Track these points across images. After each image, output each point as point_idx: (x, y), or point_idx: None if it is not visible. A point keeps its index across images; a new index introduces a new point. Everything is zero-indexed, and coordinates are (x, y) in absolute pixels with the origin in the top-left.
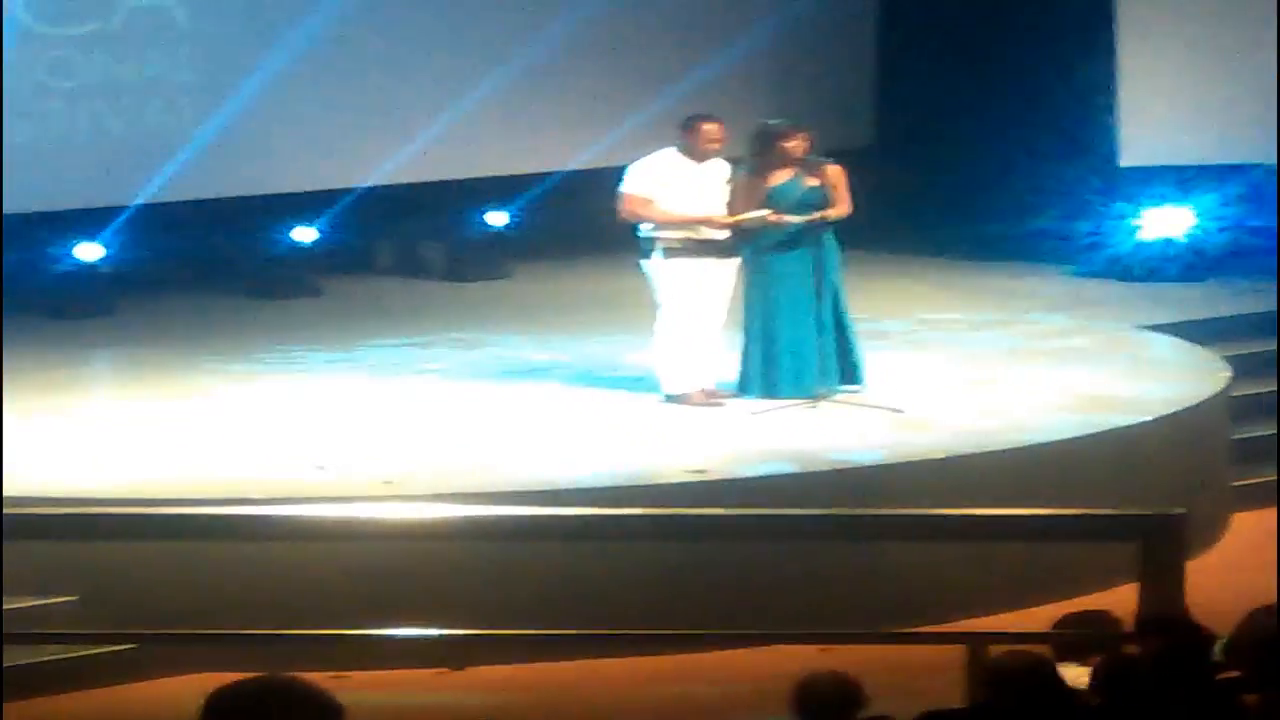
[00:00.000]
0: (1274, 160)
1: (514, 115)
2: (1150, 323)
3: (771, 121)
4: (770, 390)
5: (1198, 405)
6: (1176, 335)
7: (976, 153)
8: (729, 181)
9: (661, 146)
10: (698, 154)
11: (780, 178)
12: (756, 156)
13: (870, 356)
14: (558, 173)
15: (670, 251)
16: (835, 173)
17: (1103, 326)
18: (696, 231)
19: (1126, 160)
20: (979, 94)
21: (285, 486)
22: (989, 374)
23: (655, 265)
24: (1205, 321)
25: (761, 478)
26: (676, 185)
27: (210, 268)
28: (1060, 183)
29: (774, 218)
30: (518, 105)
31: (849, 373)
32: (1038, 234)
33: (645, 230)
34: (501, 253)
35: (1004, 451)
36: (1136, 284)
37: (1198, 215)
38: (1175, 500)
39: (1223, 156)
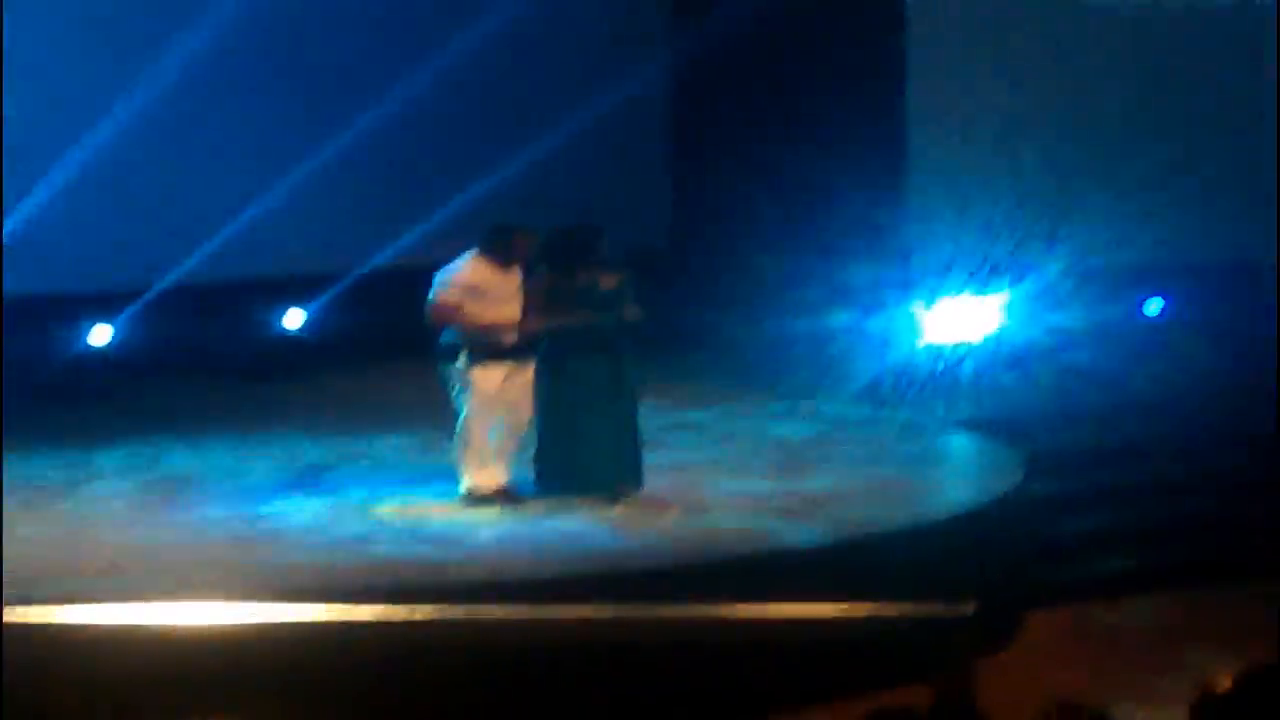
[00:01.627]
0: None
1: (313, 214)
2: (947, 417)
3: (569, 225)
4: (570, 488)
5: (993, 501)
6: (975, 430)
7: (770, 251)
8: (529, 284)
9: (462, 247)
10: (503, 260)
11: (579, 280)
12: (554, 260)
13: (669, 452)
14: (356, 272)
15: (476, 355)
16: (627, 277)
17: (900, 421)
18: (503, 335)
19: (919, 256)
20: (772, 193)
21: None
22: (786, 467)
23: (461, 369)
24: (1002, 419)
25: (557, 577)
26: (484, 291)
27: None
28: (854, 281)
29: (574, 319)
30: (316, 204)
31: (634, 472)
32: (833, 331)
33: (451, 335)
34: (298, 352)
35: (798, 550)
36: (933, 379)
37: (993, 311)
38: (968, 597)
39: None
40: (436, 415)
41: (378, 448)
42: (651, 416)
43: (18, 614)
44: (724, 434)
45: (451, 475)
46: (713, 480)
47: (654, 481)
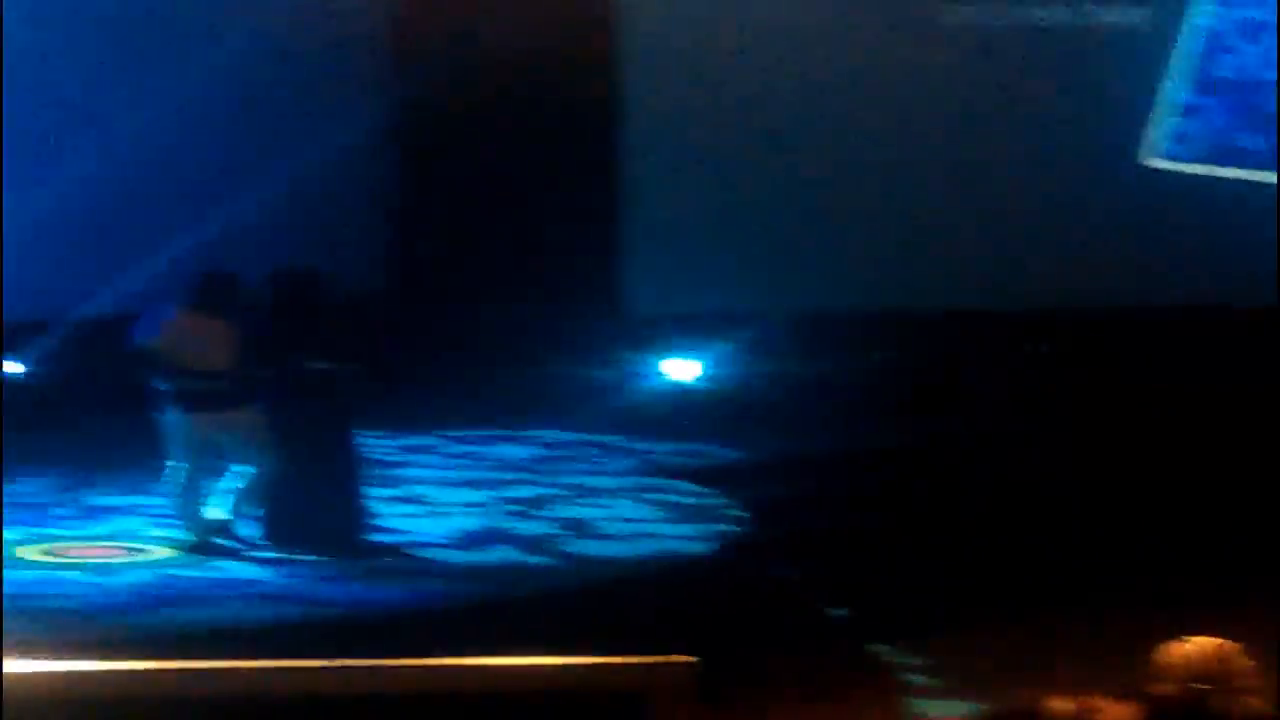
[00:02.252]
0: (778, 310)
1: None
2: (663, 468)
3: (285, 271)
4: (280, 536)
5: (707, 550)
6: (689, 480)
7: (485, 300)
8: (242, 330)
9: (175, 294)
10: (216, 307)
11: (295, 325)
12: (268, 305)
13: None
14: (63, 319)
15: (183, 404)
16: (345, 322)
17: (616, 468)
18: (216, 381)
19: (638, 309)
20: (489, 240)
21: None
22: (502, 519)
23: (166, 418)
24: (717, 468)
25: (280, 622)
26: (197, 338)
27: None
28: (567, 333)
29: (290, 364)
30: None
31: (359, 519)
32: (546, 381)
33: (158, 384)
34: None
35: (510, 598)
36: (653, 430)
37: (709, 365)
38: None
39: (734, 304)
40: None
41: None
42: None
43: None
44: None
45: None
46: (423, 524)
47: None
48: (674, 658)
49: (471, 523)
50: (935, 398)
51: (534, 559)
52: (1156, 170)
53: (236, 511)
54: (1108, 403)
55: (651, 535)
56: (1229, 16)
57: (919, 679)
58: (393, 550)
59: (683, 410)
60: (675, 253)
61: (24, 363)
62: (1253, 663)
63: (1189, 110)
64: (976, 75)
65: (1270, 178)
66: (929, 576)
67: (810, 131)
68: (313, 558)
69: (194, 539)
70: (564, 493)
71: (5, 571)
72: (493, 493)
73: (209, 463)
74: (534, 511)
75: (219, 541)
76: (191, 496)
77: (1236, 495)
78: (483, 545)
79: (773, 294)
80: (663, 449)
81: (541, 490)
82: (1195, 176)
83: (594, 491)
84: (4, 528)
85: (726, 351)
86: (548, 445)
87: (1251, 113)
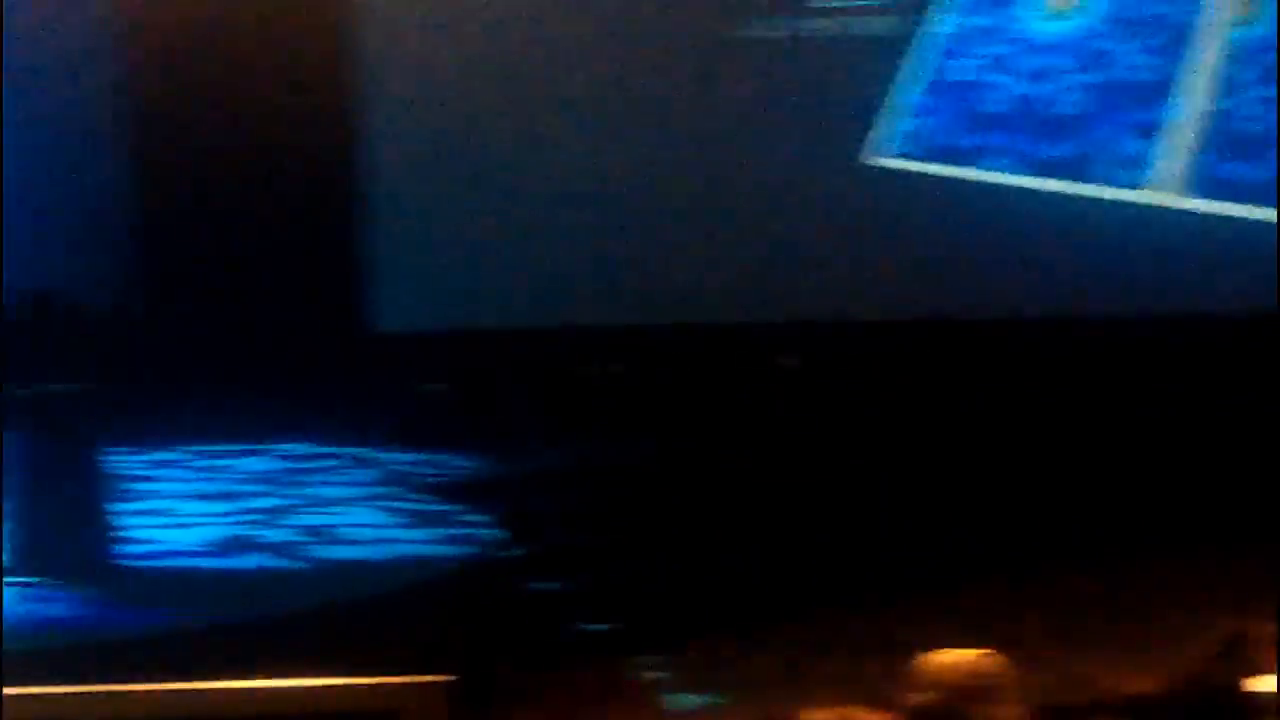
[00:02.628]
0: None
1: None
2: (410, 480)
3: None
4: (28, 560)
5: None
6: (439, 495)
7: (228, 316)
8: None
9: None
10: None
11: (20, 349)
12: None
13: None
14: None
15: None
16: (85, 342)
17: (360, 479)
18: None
19: (384, 327)
20: (228, 256)
21: None
22: (247, 529)
23: None
24: (468, 482)
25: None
26: None
27: None
28: (311, 348)
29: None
30: None
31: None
32: (291, 396)
33: None
34: None
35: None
36: (400, 443)
37: (458, 379)
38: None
39: (484, 321)
40: None
41: None
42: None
43: None
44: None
45: None
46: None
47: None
48: (425, 677)
49: (217, 532)
50: (676, 410)
51: (281, 564)
52: (886, 169)
53: None
54: (856, 413)
55: (403, 550)
56: (962, 23)
57: (679, 693)
58: (140, 564)
59: (432, 424)
60: (420, 269)
61: None
62: (1011, 673)
63: (921, 111)
64: (720, 87)
65: (1002, 178)
66: (687, 588)
67: (553, 148)
68: (63, 581)
69: None
70: (306, 503)
71: None
72: (238, 504)
73: None
74: (278, 521)
75: None
76: None
77: (986, 505)
78: (229, 553)
79: (519, 309)
80: (408, 461)
81: (285, 501)
82: (925, 176)
83: (337, 502)
84: None
85: (475, 366)
86: (292, 458)
87: (976, 115)
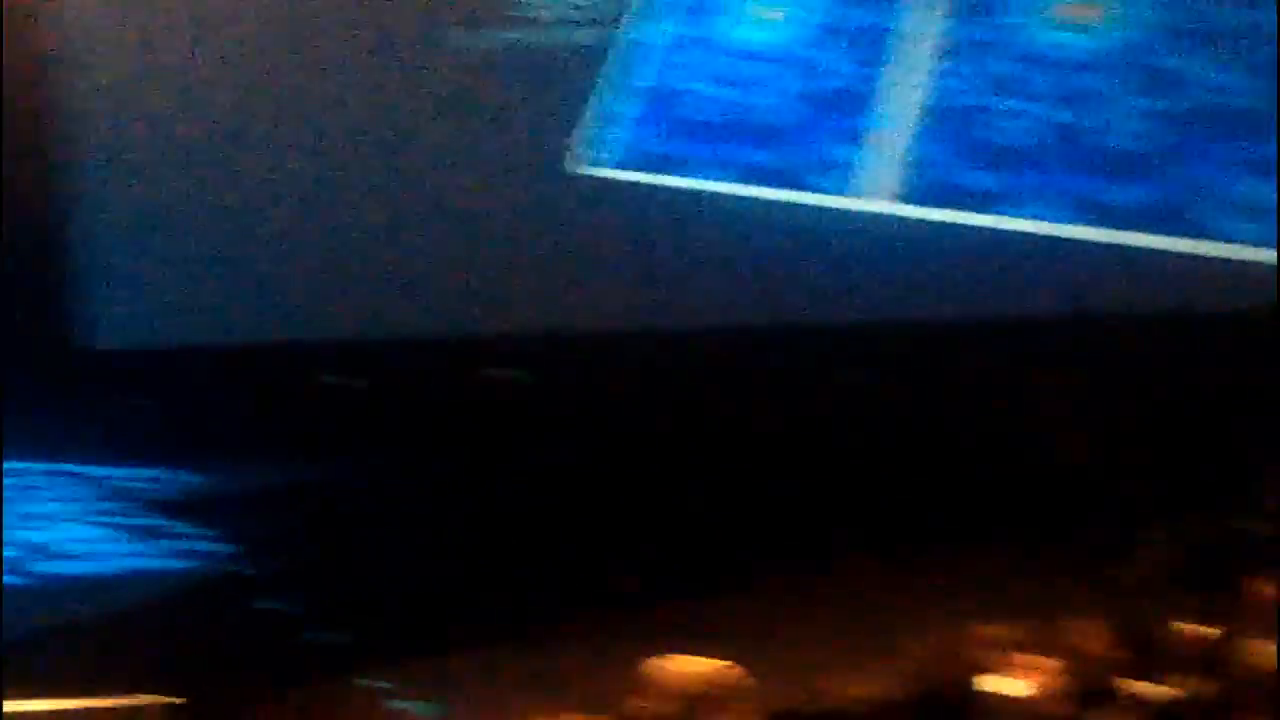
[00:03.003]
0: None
1: None
2: (130, 495)
3: None
4: None
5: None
6: (161, 512)
7: None
8: None
9: None
10: None
11: None
12: None
13: None
14: None
15: None
16: None
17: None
18: None
19: (100, 343)
20: None
21: None
22: None
23: None
24: (191, 498)
25: None
26: None
27: None
28: (18, 367)
29: None
30: None
31: None
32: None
33: None
34: None
35: None
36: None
37: (171, 396)
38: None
39: (200, 337)
40: None
41: None
42: None
43: None
44: None
45: None
46: None
47: None
48: (149, 699)
49: None
50: (401, 425)
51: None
52: (595, 179)
53: None
54: (581, 425)
55: (125, 565)
56: (669, 32)
57: (408, 702)
58: None
59: (149, 439)
60: (133, 285)
61: None
62: (742, 680)
63: (631, 120)
64: (423, 98)
65: (713, 186)
66: (415, 599)
67: (258, 164)
68: None
69: None
70: (22, 520)
71: None
72: None
73: None
74: None
75: None
76: None
77: (715, 514)
78: None
79: (235, 324)
80: (126, 477)
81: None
82: (636, 185)
83: (55, 517)
84: None
85: (186, 383)
86: (9, 474)
87: (687, 124)
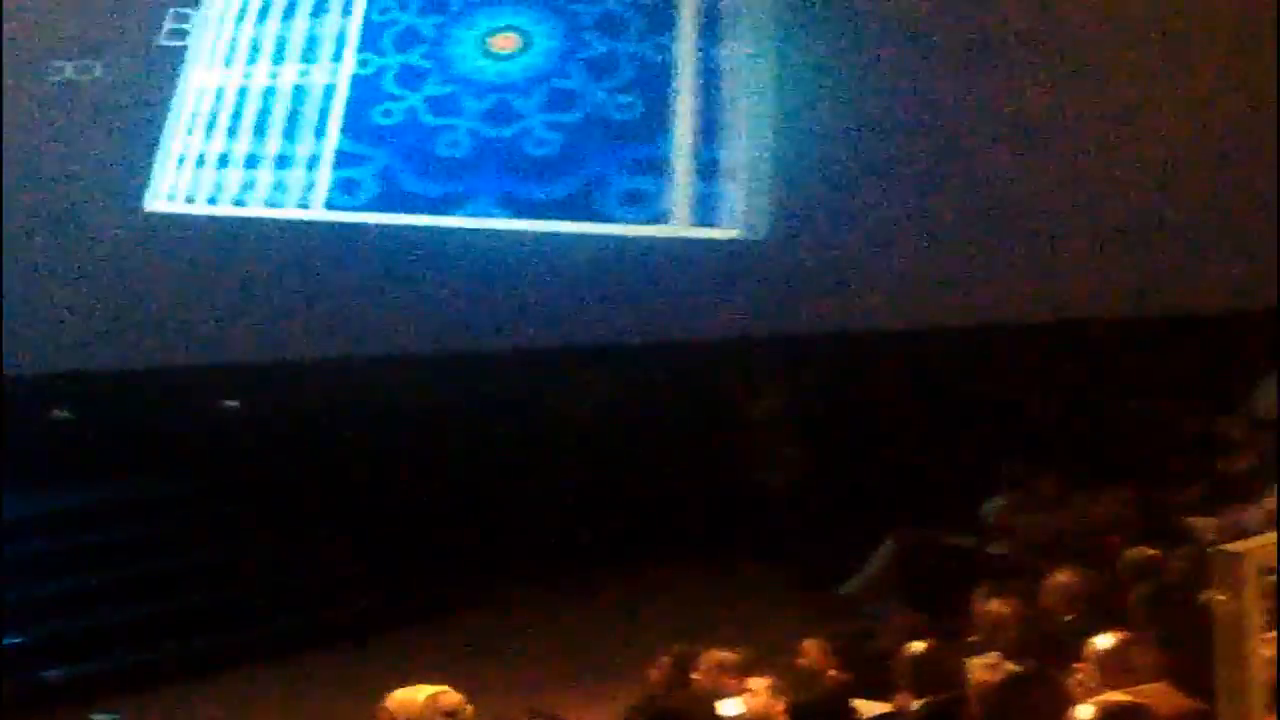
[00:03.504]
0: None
1: None
2: None
3: None
4: None
5: None
6: None
7: None
8: None
9: None
10: None
11: None
12: None
13: None
14: None
15: None
16: None
17: None
18: None
19: None
20: None
21: None
22: None
23: None
24: None
25: None
26: None
27: None
28: None
29: None
30: None
31: None
32: None
33: None
34: None
35: None
36: None
37: None
38: None
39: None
40: None
41: None
42: None
43: None
44: None
45: None
46: None
47: None
48: None
49: None
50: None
51: None
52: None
53: None
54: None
55: None
56: (389, 65)
57: None
58: None
59: None
60: None
61: None
62: (462, 707)
63: (359, 159)
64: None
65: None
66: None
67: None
68: None
69: None
70: None
71: None
72: None
73: None
74: None
75: None
76: None
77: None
78: None
79: None
80: None
81: None
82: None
83: None
84: None
85: None
86: None
87: (432, 159)
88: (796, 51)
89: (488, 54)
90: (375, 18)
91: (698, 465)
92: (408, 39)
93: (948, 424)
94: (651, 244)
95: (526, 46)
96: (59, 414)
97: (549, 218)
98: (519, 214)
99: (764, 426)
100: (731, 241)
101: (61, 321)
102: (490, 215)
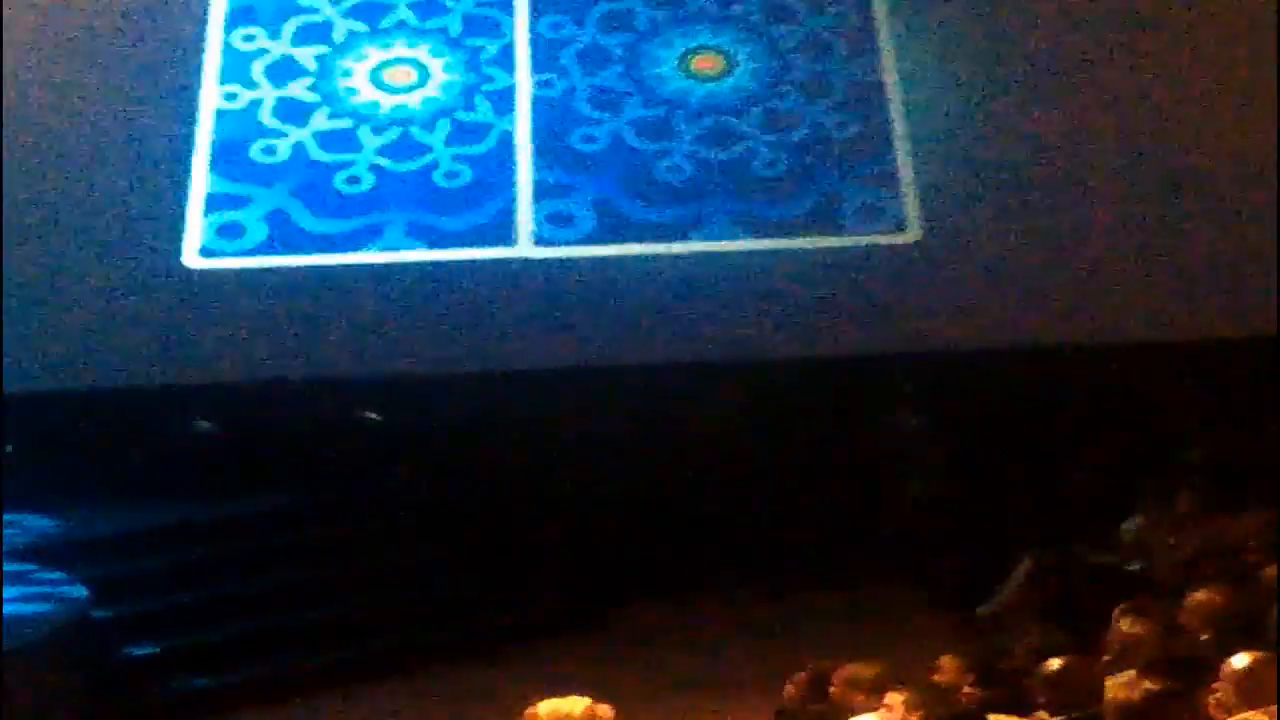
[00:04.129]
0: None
1: None
2: None
3: None
4: None
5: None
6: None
7: None
8: None
9: None
10: None
11: None
12: None
13: None
14: None
15: None
16: None
17: None
18: None
19: None
20: None
21: None
22: None
23: None
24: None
25: None
26: None
27: None
28: None
29: None
30: None
31: None
32: None
33: None
34: None
35: None
36: None
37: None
38: None
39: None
40: None
41: None
42: None
43: None
44: None
45: None
46: None
47: None
48: None
49: None
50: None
51: None
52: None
53: None
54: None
55: None
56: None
57: None
58: None
59: (11, 485)
60: None
61: None
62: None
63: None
64: None
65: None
66: (281, 647)
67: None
68: None
69: None
70: None
71: None
72: None
73: None
74: None
75: None
76: None
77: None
78: None
79: (92, 372)
80: None
81: None
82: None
83: None
84: None
85: (50, 428)
86: None
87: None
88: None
89: (690, 75)
90: (546, 34)
91: (838, 483)
92: (593, 58)
93: (1087, 441)
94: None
95: (731, 68)
96: (201, 425)
97: (787, 235)
98: (755, 234)
99: (904, 442)
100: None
101: (201, 334)
102: (728, 239)
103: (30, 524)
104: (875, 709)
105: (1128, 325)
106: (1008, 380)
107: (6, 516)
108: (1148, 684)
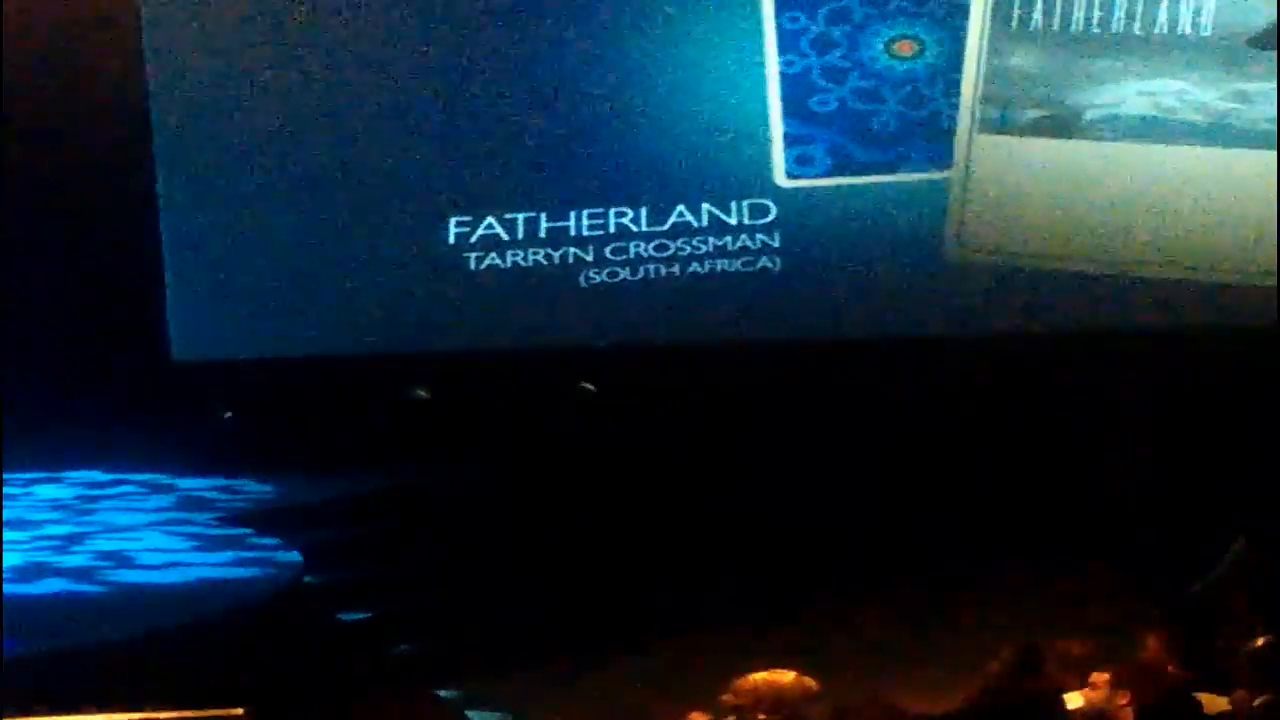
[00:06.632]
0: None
1: None
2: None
3: None
4: None
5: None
6: (240, 523)
7: (28, 344)
8: None
9: None
10: None
11: None
12: None
13: None
14: None
15: None
16: None
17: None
18: None
19: (179, 355)
20: (27, 282)
21: None
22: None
23: None
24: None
25: None
26: None
27: None
28: (106, 379)
29: None
30: None
31: None
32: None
33: None
34: None
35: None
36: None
37: (254, 407)
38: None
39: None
40: None
41: None
42: None
43: None
44: None
45: None
46: None
47: None
48: (221, 710)
49: (16, 559)
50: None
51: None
52: None
53: None
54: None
55: (199, 575)
56: None
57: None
58: None
59: (230, 451)
60: (218, 299)
61: None
62: (814, 693)
63: None
64: None
65: None
66: (494, 616)
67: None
68: None
69: None
70: (101, 530)
71: None
72: (34, 531)
73: None
74: (74, 547)
75: None
76: None
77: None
78: (30, 579)
79: (311, 340)
80: (204, 487)
81: (80, 528)
82: None
83: (132, 528)
84: None
85: (269, 395)
86: (87, 485)
87: None
88: None
89: (893, 56)
90: (787, 25)
91: (1051, 462)
92: (823, 44)
93: None
94: None
95: (923, 51)
96: (418, 393)
97: None
98: (942, 169)
99: (1118, 423)
100: None
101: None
102: (924, 171)
103: (248, 489)
104: (1082, 688)
105: None
106: (1217, 360)
107: (225, 482)
108: None
